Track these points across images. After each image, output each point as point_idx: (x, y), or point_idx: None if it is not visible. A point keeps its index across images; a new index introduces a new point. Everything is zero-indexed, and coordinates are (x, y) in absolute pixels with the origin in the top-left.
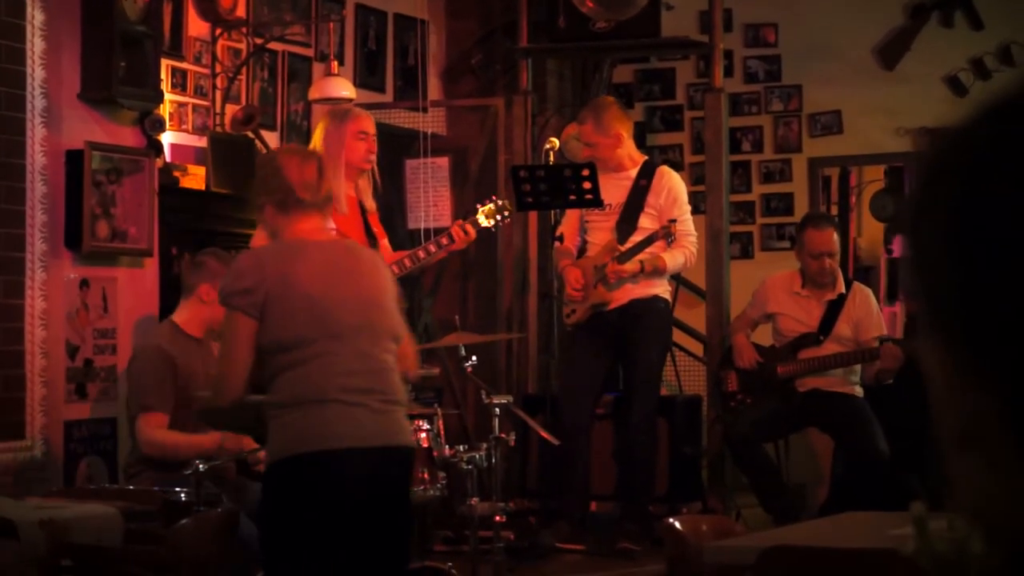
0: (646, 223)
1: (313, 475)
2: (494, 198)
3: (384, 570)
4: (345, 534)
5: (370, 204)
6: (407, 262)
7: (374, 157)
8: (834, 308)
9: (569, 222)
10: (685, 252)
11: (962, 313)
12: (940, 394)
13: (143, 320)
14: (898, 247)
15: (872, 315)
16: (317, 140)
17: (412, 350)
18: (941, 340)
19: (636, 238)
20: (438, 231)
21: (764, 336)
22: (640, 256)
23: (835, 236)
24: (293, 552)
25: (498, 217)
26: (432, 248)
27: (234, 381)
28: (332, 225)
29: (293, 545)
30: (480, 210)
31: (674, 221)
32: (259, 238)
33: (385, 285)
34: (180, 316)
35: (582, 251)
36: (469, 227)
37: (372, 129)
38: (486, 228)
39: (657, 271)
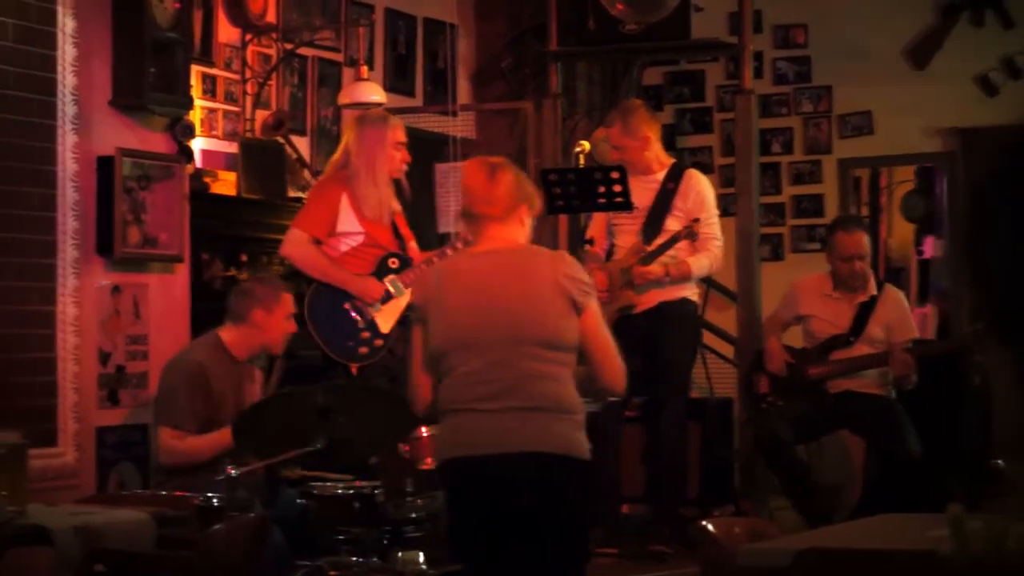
0: (672, 226)
1: (450, 481)
2: None
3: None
4: (494, 536)
5: (396, 206)
6: (435, 260)
7: (406, 167)
8: (865, 310)
9: (597, 225)
10: (710, 256)
11: None
12: (1005, 398)
13: (175, 326)
14: (929, 248)
15: (904, 317)
16: (352, 145)
17: (611, 363)
18: (1006, 345)
19: (661, 240)
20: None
21: (795, 338)
22: (664, 259)
23: (865, 239)
24: (461, 547)
25: None
26: (460, 246)
27: (418, 389)
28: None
29: (457, 540)
30: None
31: (697, 220)
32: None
33: (539, 294)
34: (227, 335)
35: (609, 254)
36: None
37: (405, 138)
38: None
39: (682, 276)
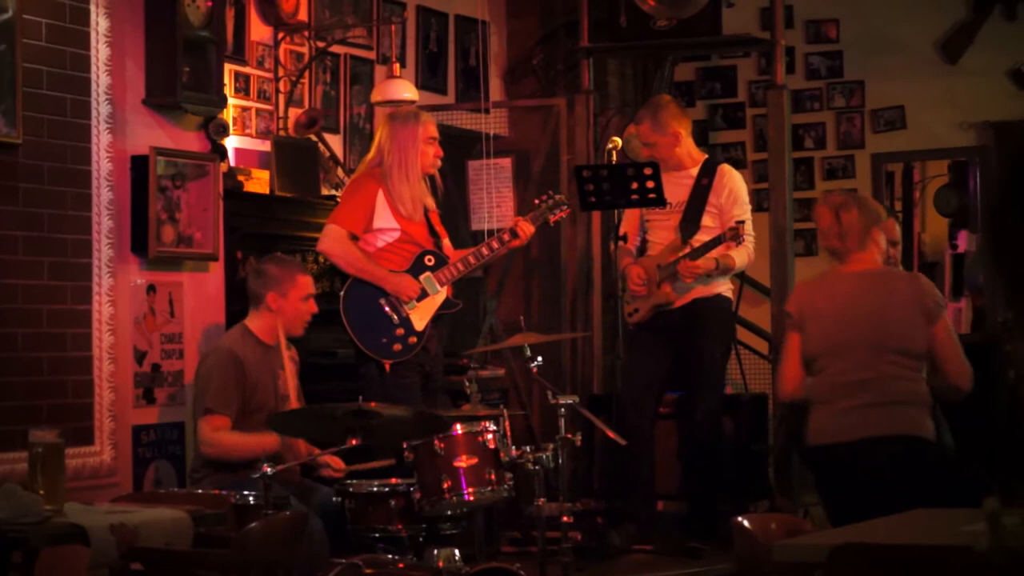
0: (708, 222)
1: (821, 463)
2: (550, 193)
3: None
4: (860, 508)
5: (431, 203)
6: (471, 259)
7: (440, 162)
8: None
9: (630, 221)
10: (747, 250)
11: None
12: None
13: (210, 325)
14: (963, 242)
15: None
16: (385, 142)
17: (960, 366)
18: None
19: (701, 237)
20: (501, 231)
21: None
22: (712, 254)
23: (895, 226)
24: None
25: (557, 211)
26: (495, 244)
27: (783, 382)
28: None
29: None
30: (538, 205)
31: (742, 222)
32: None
33: (898, 308)
34: (252, 323)
35: (642, 250)
36: (529, 223)
37: (437, 133)
38: (545, 222)
39: (727, 269)
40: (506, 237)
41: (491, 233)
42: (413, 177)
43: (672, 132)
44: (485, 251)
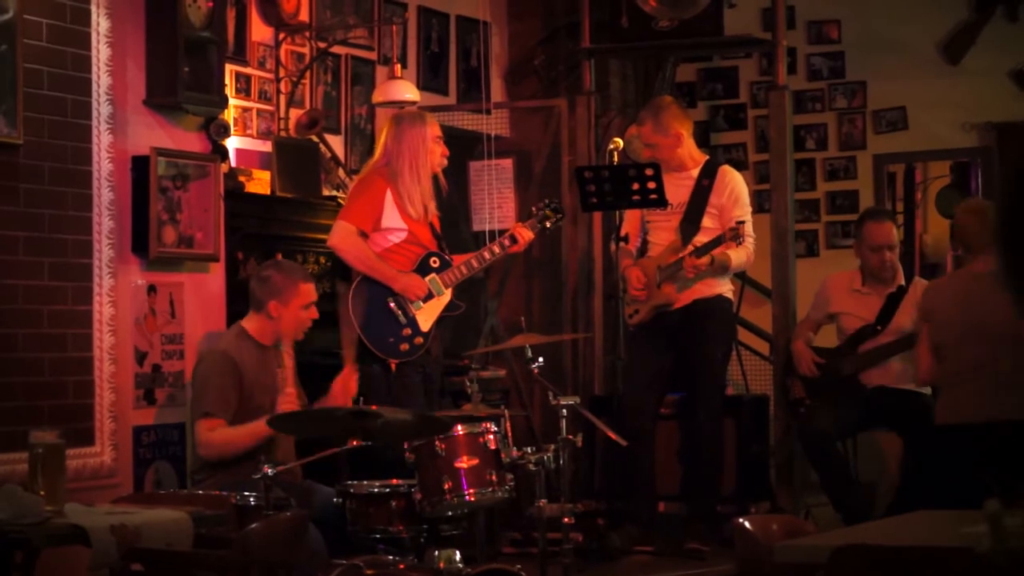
0: (709, 223)
1: (950, 440)
2: (548, 200)
3: None
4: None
5: (433, 207)
6: (474, 263)
7: (446, 160)
8: (893, 300)
9: (631, 222)
10: (747, 251)
11: None
12: None
13: (211, 325)
14: None
15: None
16: (392, 143)
17: None
18: None
19: (700, 238)
20: (503, 232)
21: (830, 337)
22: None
23: (894, 229)
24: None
25: (553, 218)
26: (496, 249)
27: (922, 367)
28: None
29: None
30: (536, 212)
31: (743, 223)
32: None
33: (995, 301)
34: (250, 324)
35: (643, 251)
36: (527, 229)
37: (441, 132)
38: (543, 229)
39: (724, 267)
40: (506, 243)
41: (492, 234)
42: (424, 177)
43: (674, 133)
44: (487, 255)
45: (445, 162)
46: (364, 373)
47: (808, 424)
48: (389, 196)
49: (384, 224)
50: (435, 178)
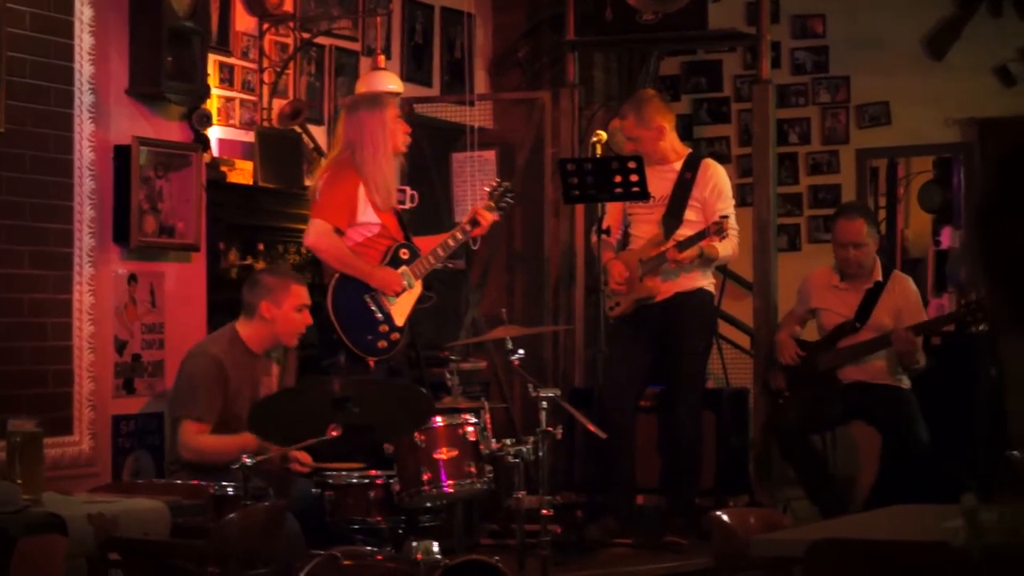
0: (691, 216)
1: None
2: (499, 180)
3: None
4: None
5: (396, 192)
6: (440, 251)
7: (409, 138)
8: (871, 296)
9: (612, 215)
10: (732, 244)
11: None
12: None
13: (191, 315)
14: (946, 239)
15: (912, 303)
16: (353, 133)
17: None
18: None
19: (683, 231)
20: (463, 221)
21: (813, 332)
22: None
23: (864, 227)
24: None
25: (506, 198)
26: (459, 235)
27: None
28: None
29: None
30: (491, 193)
31: (726, 217)
32: None
33: None
34: (244, 330)
35: (624, 244)
36: (487, 211)
37: (399, 111)
38: (500, 210)
39: (709, 261)
40: (468, 227)
41: None
42: (388, 162)
43: (656, 126)
44: (451, 242)
45: (409, 139)
46: (325, 368)
47: (778, 418)
48: (362, 190)
49: (359, 219)
50: (399, 165)
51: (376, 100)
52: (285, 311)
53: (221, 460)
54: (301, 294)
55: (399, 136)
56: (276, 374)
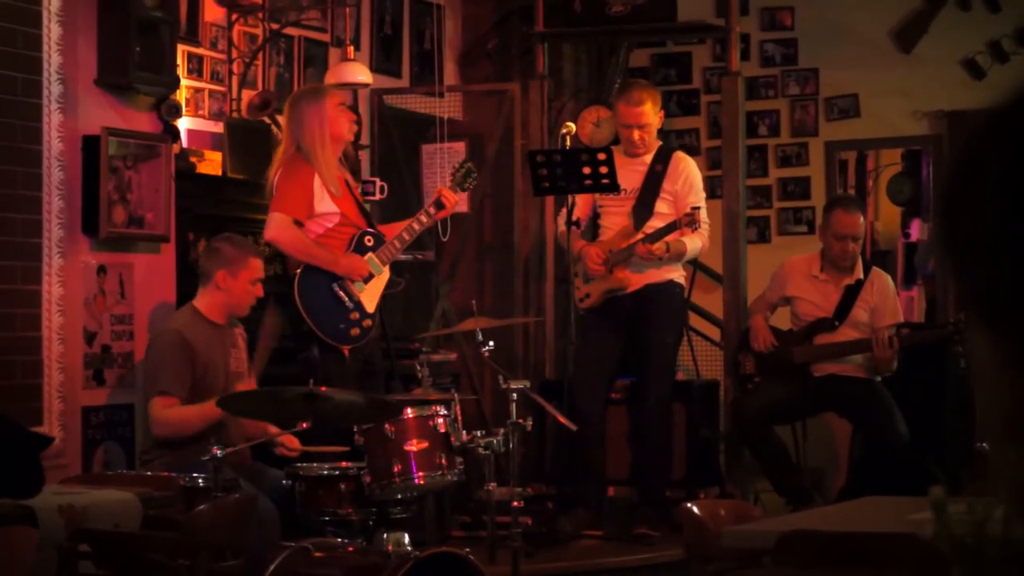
0: (662, 208)
1: None
2: (461, 162)
3: None
4: None
5: (351, 178)
6: (405, 236)
7: (355, 126)
8: (851, 293)
9: (582, 207)
10: (702, 237)
11: (1010, 301)
12: (987, 382)
13: (160, 306)
14: (915, 231)
15: (889, 301)
16: (295, 127)
17: None
18: (988, 328)
19: (654, 223)
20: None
21: (783, 320)
22: (665, 239)
23: (862, 221)
24: None
25: (469, 178)
26: (424, 218)
27: None
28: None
29: None
30: (454, 175)
31: (698, 208)
32: None
33: None
34: (200, 302)
35: (593, 235)
36: (451, 192)
37: (348, 100)
38: (464, 190)
39: (679, 254)
40: (432, 210)
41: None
42: (333, 152)
43: (661, 115)
44: (416, 225)
45: (355, 128)
46: (298, 360)
47: (741, 407)
48: (317, 181)
49: (317, 210)
50: (345, 153)
51: (316, 92)
52: (240, 282)
53: (190, 430)
54: (257, 267)
55: (343, 124)
56: (244, 345)
